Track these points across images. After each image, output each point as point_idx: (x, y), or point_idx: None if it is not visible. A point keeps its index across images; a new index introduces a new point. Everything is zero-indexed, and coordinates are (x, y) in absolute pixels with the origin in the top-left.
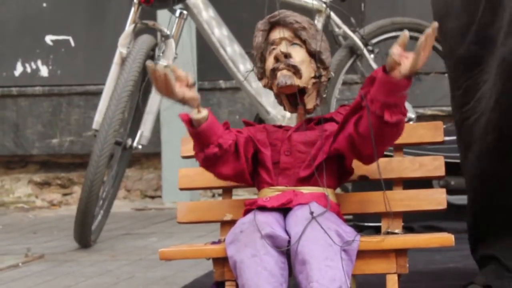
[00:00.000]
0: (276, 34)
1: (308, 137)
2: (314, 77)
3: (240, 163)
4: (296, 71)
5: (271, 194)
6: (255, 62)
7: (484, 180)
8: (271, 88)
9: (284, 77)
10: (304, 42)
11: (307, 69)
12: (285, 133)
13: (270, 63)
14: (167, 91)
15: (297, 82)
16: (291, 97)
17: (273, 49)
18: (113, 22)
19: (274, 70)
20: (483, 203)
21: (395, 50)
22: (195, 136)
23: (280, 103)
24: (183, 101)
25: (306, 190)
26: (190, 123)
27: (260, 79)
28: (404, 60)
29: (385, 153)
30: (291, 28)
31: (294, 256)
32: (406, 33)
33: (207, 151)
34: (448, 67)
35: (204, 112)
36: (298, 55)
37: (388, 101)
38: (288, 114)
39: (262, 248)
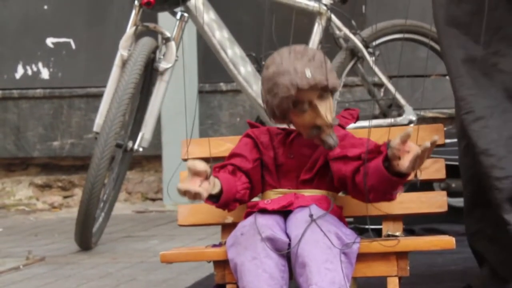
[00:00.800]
0: (305, 95)
1: (312, 140)
2: None
3: (257, 190)
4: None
5: (274, 196)
6: (271, 109)
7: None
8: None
9: (332, 139)
10: (331, 92)
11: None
12: (289, 136)
13: (306, 125)
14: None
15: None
16: None
17: (308, 105)
18: (114, 25)
19: (318, 135)
20: (480, 202)
21: (396, 145)
22: (215, 205)
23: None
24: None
25: (307, 192)
26: (208, 197)
27: (271, 116)
28: (405, 156)
29: None
30: (320, 87)
31: (294, 259)
32: (409, 131)
33: (229, 209)
34: (456, 62)
35: (218, 186)
36: (330, 106)
37: (388, 190)
38: None
39: (262, 251)
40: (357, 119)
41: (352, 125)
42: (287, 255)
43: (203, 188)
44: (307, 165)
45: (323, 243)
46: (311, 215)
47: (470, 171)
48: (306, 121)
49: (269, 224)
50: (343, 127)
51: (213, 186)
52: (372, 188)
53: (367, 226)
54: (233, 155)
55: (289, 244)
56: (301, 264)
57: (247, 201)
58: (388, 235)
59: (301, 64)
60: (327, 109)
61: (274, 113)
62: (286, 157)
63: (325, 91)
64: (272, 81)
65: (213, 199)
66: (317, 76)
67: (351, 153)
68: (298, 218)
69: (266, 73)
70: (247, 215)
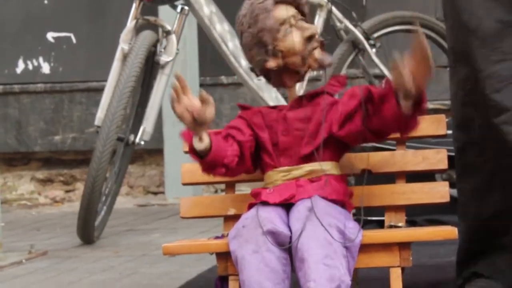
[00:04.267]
0: (284, 12)
1: (303, 113)
2: None
3: (245, 165)
4: (323, 46)
5: (275, 176)
6: (262, 45)
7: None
8: (282, 68)
9: (325, 56)
10: (305, 16)
11: None
12: (280, 113)
13: (297, 43)
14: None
15: None
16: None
17: (290, 27)
18: (115, 19)
19: (313, 52)
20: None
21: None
22: (201, 164)
23: (273, 81)
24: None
25: (308, 167)
26: (194, 151)
27: (264, 62)
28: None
29: (387, 146)
30: (295, 4)
31: (294, 253)
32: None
33: (214, 172)
34: (472, 43)
35: (206, 141)
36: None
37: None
38: None
39: (263, 244)
40: (345, 85)
41: None
42: (289, 248)
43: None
44: (305, 139)
45: (323, 238)
46: (310, 209)
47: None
48: (295, 40)
49: (271, 217)
50: (331, 94)
51: (200, 139)
52: (391, 127)
53: (369, 218)
54: (228, 127)
55: (291, 237)
56: (300, 259)
57: (233, 170)
58: (391, 226)
59: None
60: (310, 26)
61: (256, 60)
62: (281, 135)
63: (299, 11)
64: (248, 17)
65: (200, 154)
66: None
67: (349, 107)
68: (300, 211)
69: (242, 26)
70: (250, 206)
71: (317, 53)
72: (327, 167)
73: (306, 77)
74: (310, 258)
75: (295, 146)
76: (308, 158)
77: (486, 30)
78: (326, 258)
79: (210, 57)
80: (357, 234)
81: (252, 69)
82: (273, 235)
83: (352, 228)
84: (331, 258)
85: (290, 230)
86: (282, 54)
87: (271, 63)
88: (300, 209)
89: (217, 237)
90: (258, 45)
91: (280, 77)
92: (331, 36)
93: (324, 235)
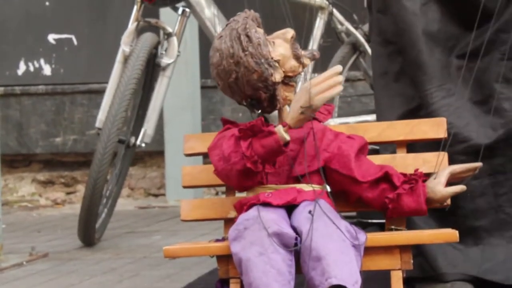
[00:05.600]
0: (260, 29)
1: (297, 134)
2: None
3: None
4: None
5: (262, 191)
6: (264, 59)
7: None
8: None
9: (308, 49)
10: None
11: None
12: None
13: (286, 47)
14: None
15: None
16: None
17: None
18: (116, 20)
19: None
20: None
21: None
22: (275, 155)
23: (274, 103)
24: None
25: (304, 187)
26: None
27: (271, 77)
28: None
29: (374, 147)
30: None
31: (306, 252)
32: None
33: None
34: (437, 70)
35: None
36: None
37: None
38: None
39: (270, 247)
40: (332, 114)
41: (353, 119)
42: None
43: None
44: (298, 160)
45: (337, 236)
46: (318, 209)
47: None
48: (283, 45)
49: (275, 219)
50: (319, 120)
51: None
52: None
53: (370, 221)
54: None
55: (296, 238)
56: (316, 258)
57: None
58: (391, 229)
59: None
60: (286, 30)
61: (262, 80)
62: None
63: None
64: (237, 43)
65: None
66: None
67: (364, 179)
68: (307, 211)
69: (233, 58)
70: (240, 206)
71: (303, 50)
72: (316, 189)
73: (308, 76)
74: (328, 256)
75: (286, 165)
76: (298, 178)
77: (431, 67)
78: (343, 254)
79: None
80: (363, 233)
81: (251, 105)
82: (279, 236)
83: (355, 228)
84: (347, 254)
85: (294, 231)
86: (279, 64)
87: (276, 75)
88: (306, 209)
89: (217, 240)
90: (260, 61)
91: (282, 93)
92: (332, 39)
93: (337, 233)
